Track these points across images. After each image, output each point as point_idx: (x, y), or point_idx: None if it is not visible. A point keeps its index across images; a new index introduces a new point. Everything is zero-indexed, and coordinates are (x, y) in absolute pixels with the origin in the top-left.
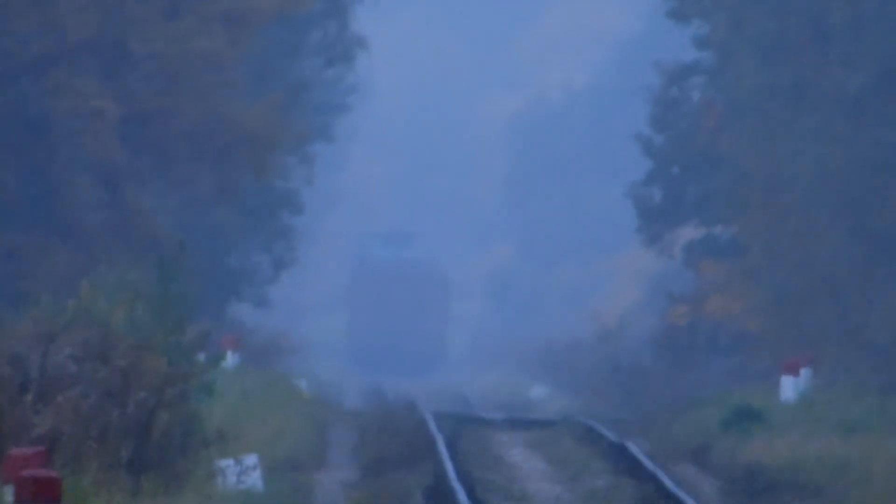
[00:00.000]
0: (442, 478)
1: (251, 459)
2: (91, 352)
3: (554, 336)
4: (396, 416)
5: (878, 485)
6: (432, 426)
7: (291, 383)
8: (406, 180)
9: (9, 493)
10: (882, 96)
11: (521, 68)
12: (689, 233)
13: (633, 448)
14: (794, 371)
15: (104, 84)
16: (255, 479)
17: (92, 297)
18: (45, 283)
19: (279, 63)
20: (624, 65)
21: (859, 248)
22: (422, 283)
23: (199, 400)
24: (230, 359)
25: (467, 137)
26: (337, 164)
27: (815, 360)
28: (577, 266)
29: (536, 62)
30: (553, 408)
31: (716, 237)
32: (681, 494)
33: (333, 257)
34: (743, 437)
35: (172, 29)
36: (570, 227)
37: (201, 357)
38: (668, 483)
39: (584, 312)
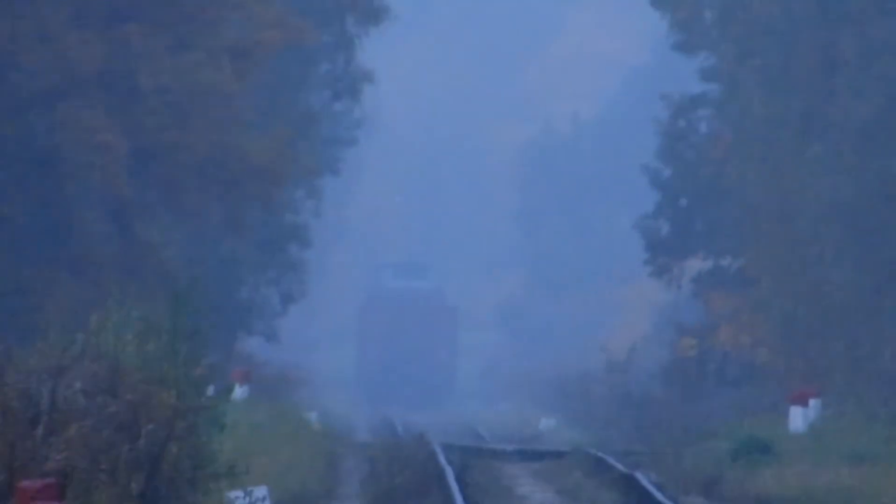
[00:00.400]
0: None
1: (261, 492)
2: (101, 385)
3: (563, 367)
4: (406, 448)
5: None
6: (442, 458)
7: (301, 416)
8: (415, 211)
9: None
10: (889, 126)
11: (530, 99)
12: (698, 264)
13: (643, 479)
14: (803, 402)
15: (112, 118)
16: None
17: (102, 331)
18: (54, 317)
19: (286, 96)
20: (632, 95)
21: (868, 278)
22: (431, 313)
23: (210, 433)
24: (240, 392)
25: (476, 168)
26: (345, 196)
27: (824, 391)
28: (586, 296)
29: (545, 93)
30: (562, 439)
31: (724, 269)
32: None
33: (342, 290)
34: (752, 468)
35: (179, 62)
36: (579, 257)
37: (211, 390)
38: None
39: (593, 343)
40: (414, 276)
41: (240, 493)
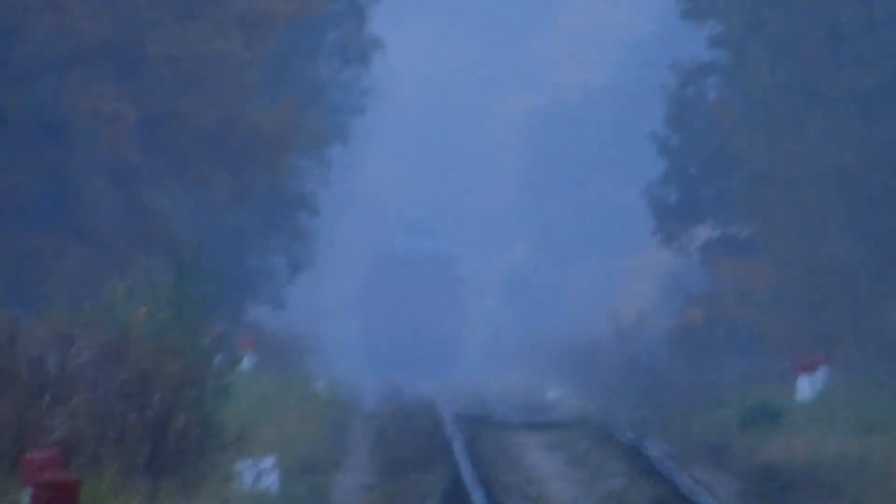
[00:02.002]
0: (459, 479)
1: (268, 461)
2: (109, 354)
3: (571, 336)
4: (413, 417)
5: None
6: (449, 428)
7: (308, 385)
8: (422, 180)
9: (27, 496)
10: (894, 96)
11: (537, 68)
12: (706, 232)
13: (651, 448)
14: (811, 370)
15: (120, 87)
16: (272, 481)
17: (110, 300)
18: (62, 286)
19: (295, 65)
20: (640, 64)
21: (874, 247)
22: (440, 275)
23: (217, 402)
24: (247, 360)
25: (484, 138)
26: (353, 165)
27: (831, 360)
28: (593, 265)
29: (552, 62)
30: (570, 408)
31: (732, 237)
32: (697, 497)
33: (350, 258)
34: (760, 436)
35: (188, 32)
36: (587, 226)
37: (218, 359)
38: (685, 484)
39: (600, 312)
40: (424, 236)
41: (248, 463)
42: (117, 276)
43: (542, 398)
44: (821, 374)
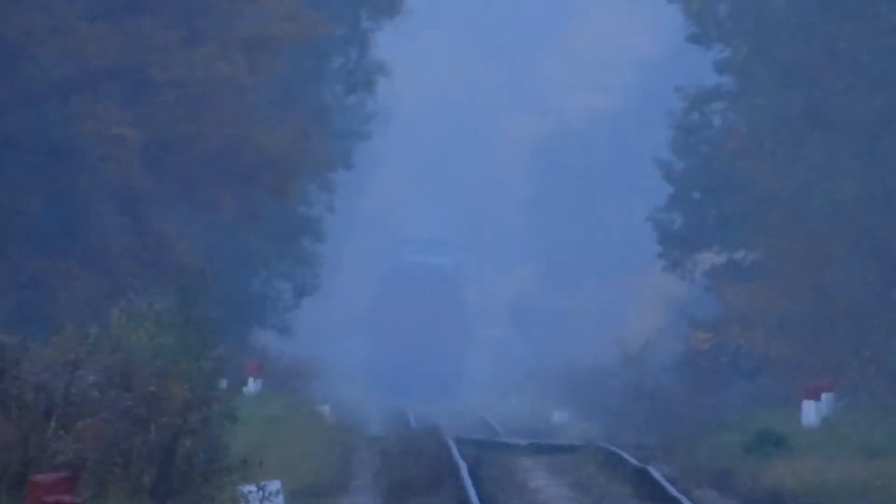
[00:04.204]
0: (466, 502)
1: (274, 485)
2: (115, 378)
3: (576, 360)
4: (419, 440)
5: None
6: (455, 451)
7: (314, 409)
8: (428, 204)
9: None
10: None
11: (544, 92)
12: (711, 257)
13: (656, 473)
14: (815, 395)
15: (126, 110)
16: None
17: (116, 324)
18: (69, 309)
19: (300, 89)
20: (646, 89)
21: (877, 273)
22: (448, 290)
23: (222, 426)
24: (253, 385)
25: (490, 161)
26: (358, 190)
27: (836, 385)
28: (599, 289)
29: (559, 86)
30: (576, 433)
31: (737, 262)
32: None
33: (355, 283)
34: (765, 461)
35: (193, 55)
36: (593, 250)
37: (224, 383)
38: None
39: (606, 336)
40: (435, 252)
41: (253, 487)
42: (123, 300)
43: (548, 422)
44: (826, 400)
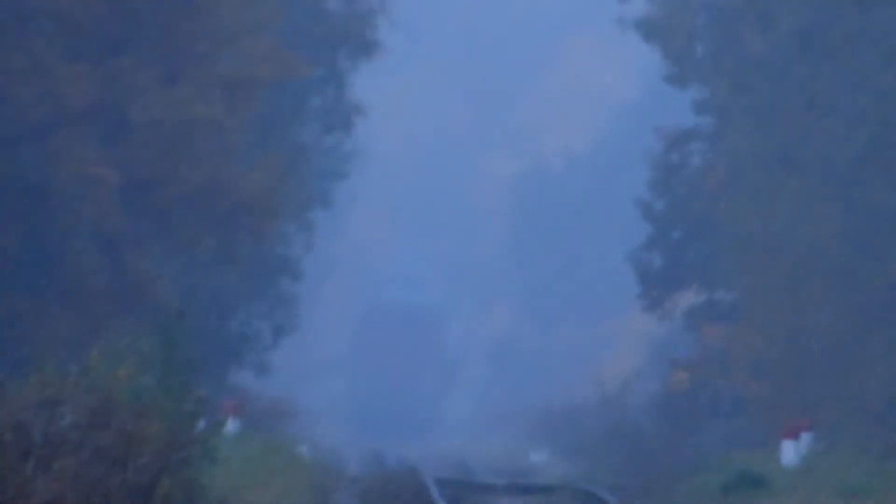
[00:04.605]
0: None
1: None
2: (93, 418)
3: (555, 400)
4: (397, 481)
5: None
6: (434, 491)
7: (292, 449)
8: (406, 244)
9: None
10: (872, 164)
11: (521, 132)
12: (690, 297)
13: None
14: (794, 435)
15: (104, 151)
16: None
17: (95, 364)
18: (47, 348)
19: (278, 130)
20: (624, 129)
21: (855, 313)
22: (428, 327)
23: (201, 466)
24: (231, 425)
25: (468, 201)
26: (336, 228)
27: (815, 425)
28: (578, 329)
29: (536, 126)
30: (554, 472)
31: (716, 302)
32: None
33: (333, 323)
34: (744, 501)
35: (171, 96)
36: (572, 290)
37: (203, 423)
38: None
39: (584, 376)
40: (415, 290)
41: None
42: (102, 339)
43: (526, 461)
44: (805, 440)
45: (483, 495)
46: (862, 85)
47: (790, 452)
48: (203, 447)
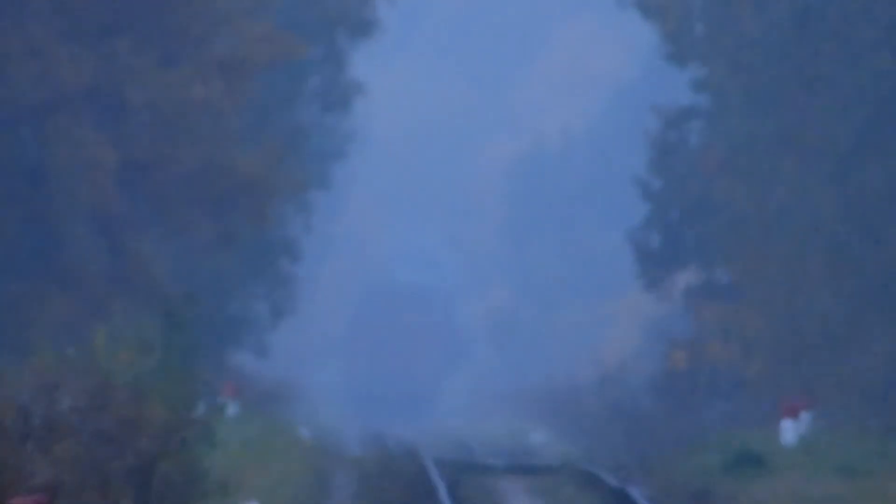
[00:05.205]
0: None
1: None
2: (92, 401)
3: (554, 380)
4: (397, 462)
5: None
6: (433, 473)
7: (292, 431)
8: (405, 225)
9: None
10: (870, 144)
11: (519, 113)
12: (689, 277)
13: (635, 493)
14: (794, 414)
15: (101, 133)
16: None
17: (93, 346)
18: (46, 332)
19: (276, 110)
20: (622, 109)
21: (853, 291)
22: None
23: (201, 448)
24: (231, 407)
25: (466, 182)
26: (335, 211)
27: (815, 404)
28: (577, 309)
29: (534, 107)
30: (554, 453)
31: (715, 281)
32: None
33: (332, 304)
34: (744, 480)
35: (168, 77)
36: (570, 270)
37: (202, 405)
38: None
39: (584, 356)
40: (421, 269)
41: None
42: (100, 322)
43: (526, 442)
44: (804, 418)
45: (483, 476)
46: (860, 64)
47: (790, 431)
48: (203, 430)
